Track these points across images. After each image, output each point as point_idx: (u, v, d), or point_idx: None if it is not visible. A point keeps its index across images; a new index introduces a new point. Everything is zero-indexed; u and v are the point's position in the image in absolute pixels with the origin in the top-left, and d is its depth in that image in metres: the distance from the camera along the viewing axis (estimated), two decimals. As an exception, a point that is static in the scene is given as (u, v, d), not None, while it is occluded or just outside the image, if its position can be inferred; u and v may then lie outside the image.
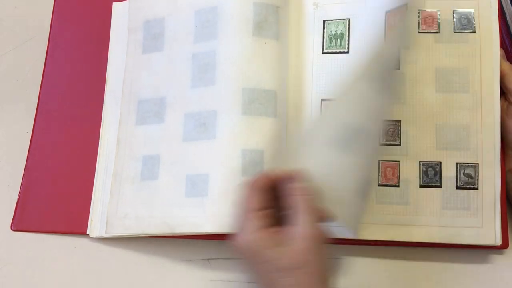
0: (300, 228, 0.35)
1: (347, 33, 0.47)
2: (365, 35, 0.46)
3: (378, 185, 0.45)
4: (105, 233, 0.46)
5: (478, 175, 0.44)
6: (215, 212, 0.43)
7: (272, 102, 0.45)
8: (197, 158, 0.45)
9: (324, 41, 0.48)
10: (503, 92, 0.45)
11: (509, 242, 0.43)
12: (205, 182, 0.44)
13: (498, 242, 0.43)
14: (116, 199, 0.47)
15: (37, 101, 0.52)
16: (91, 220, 0.48)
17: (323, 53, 0.47)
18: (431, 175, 0.44)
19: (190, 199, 0.44)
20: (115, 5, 0.53)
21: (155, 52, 0.49)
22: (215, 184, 0.44)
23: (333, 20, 0.48)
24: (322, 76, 0.47)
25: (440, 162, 0.44)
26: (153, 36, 0.50)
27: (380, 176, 0.45)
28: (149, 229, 0.45)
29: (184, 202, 0.44)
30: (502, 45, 0.46)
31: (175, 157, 0.46)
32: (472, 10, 0.46)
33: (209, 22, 0.47)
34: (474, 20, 0.46)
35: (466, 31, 0.46)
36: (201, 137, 0.45)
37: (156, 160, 0.47)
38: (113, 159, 0.48)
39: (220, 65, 0.46)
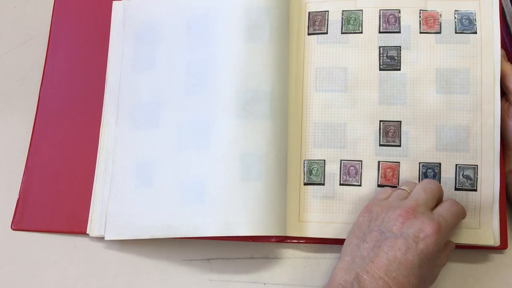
0: None
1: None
2: None
3: (378, 186, 0.45)
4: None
5: (477, 176, 0.44)
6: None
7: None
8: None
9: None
10: (504, 93, 0.45)
11: (508, 242, 0.44)
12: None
13: (497, 242, 0.43)
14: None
15: (37, 101, 0.52)
16: (91, 220, 0.48)
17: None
18: (430, 176, 0.44)
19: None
20: (115, 4, 0.53)
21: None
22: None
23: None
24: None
25: (440, 164, 0.44)
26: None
27: (380, 177, 0.45)
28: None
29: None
30: (503, 45, 0.46)
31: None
32: (473, 11, 0.46)
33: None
34: (475, 21, 0.46)
35: (467, 32, 0.46)
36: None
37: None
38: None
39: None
